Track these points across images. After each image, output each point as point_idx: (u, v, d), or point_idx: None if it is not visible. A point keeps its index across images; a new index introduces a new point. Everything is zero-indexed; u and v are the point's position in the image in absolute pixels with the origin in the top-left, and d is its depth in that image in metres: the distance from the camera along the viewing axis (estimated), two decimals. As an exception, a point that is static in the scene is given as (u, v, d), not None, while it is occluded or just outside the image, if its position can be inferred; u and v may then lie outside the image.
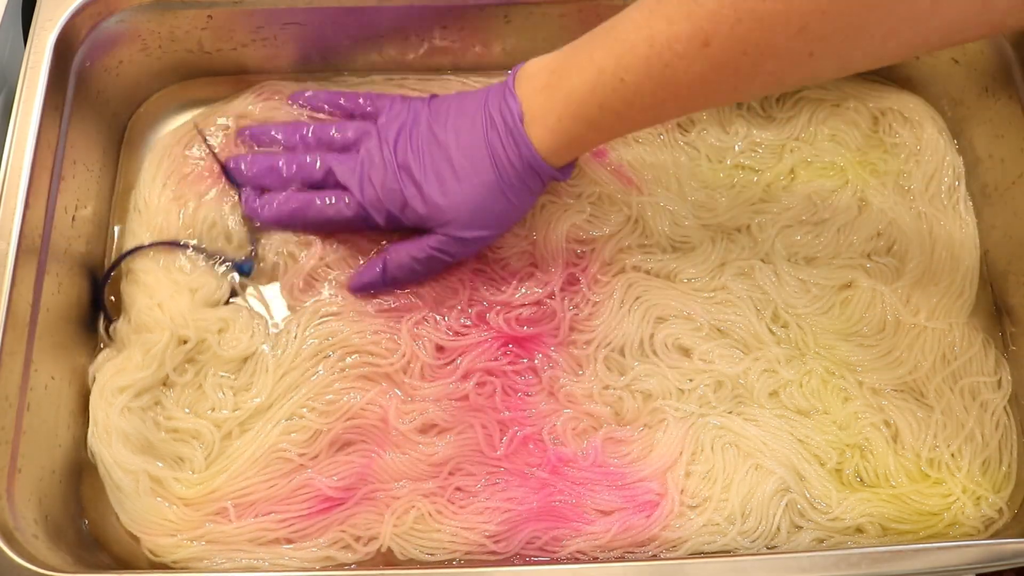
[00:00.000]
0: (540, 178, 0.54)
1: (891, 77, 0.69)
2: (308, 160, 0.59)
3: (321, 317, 0.60)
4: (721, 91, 0.48)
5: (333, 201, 0.58)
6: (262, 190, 0.61)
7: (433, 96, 0.59)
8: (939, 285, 0.63)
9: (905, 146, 0.67)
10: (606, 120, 0.51)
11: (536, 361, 0.59)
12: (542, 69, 0.53)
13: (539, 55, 0.67)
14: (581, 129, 0.52)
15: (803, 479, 0.57)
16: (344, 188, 0.58)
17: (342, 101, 0.63)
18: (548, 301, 0.61)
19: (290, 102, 0.64)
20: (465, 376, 0.59)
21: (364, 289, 0.60)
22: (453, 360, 0.59)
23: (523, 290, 0.61)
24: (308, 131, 0.61)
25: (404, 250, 0.57)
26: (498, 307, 0.60)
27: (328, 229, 0.61)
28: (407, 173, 0.56)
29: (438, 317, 0.60)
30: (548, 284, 0.61)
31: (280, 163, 0.60)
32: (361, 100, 0.62)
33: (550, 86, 0.52)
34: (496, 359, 0.59)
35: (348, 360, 0.59)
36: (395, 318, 0.60)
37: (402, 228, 0.58)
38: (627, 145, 0.65)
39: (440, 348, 0.59)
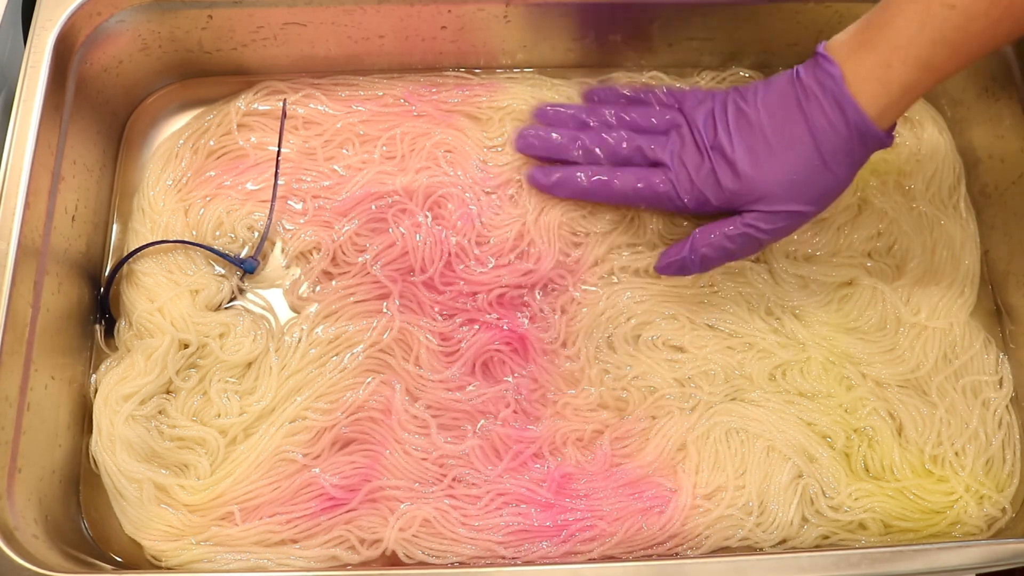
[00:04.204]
0: (866, 145, 0.53)
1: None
2: (615, 136, 0.60)
3: (326, 319, 0.60)
4: None
5: (644, 176, 0.58)
6: (549, 163, 0.61)
7: (733, 86, 0.59)
8: (940, 285, 0.63)
9: (905, 146, 0.67)
10: (939, 56, 0.49)
11: (530, 367, 0.59)
12: (853, 33, 0.52)
13: (541, 55, 0.67)
14: (913, 75, 0.50)
15: (814, 460, 0.57)
16: (654, 166, 0.58)
17: (641, 95, 0.62)
18: (535, 301, 0.61)
19: (584, 101, 0.64)
20: (468, 372, 0.59)
21: (672, 269, 0.60)
22: (456, 349, 0.59)
23: (515, 262, 0.62)
24: (610, 114, 0.61)
25: (717, 228, 0.57)
26: (488, 287, 0.61)
27: (627, 203, 0.61)
28: (719, 152, 0.56)
29: (433, 302, 0.60)
30: (539, 262, 0.61)
31: (585, 137, 0.60)
32: (660, 92, 0.62)
33: (869, 41, 0.50)
34: (495, 350, 0.59)
35: (348, 357, 0.59)
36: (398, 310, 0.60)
37: (707, 212, 0.58)
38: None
39: (443, 337, 0.60)
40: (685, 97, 0.60)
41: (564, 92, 0.66)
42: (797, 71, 0.54)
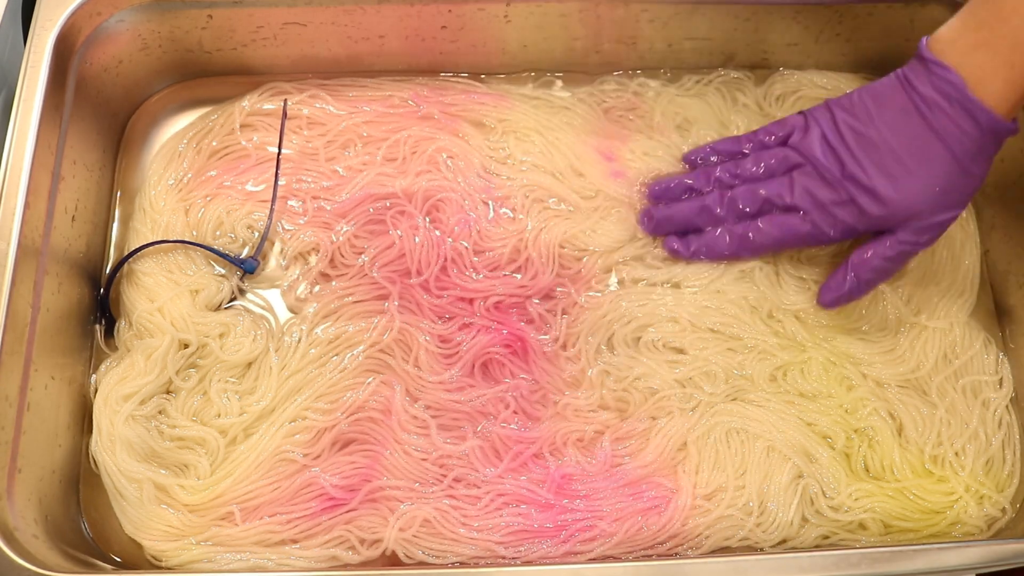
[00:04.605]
0: (998, 140, 0.54)
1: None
2: (736, 192, 0.60)
3: (324, 318, 0.60)
4: None
5: (781, 223, 0.59)
6: (682, 232, 0.62)
7: (828, 101, 0.59)
8: (940, 285, 0.63)
9: (905, 146, 0.67)
10: None
11: (531, 369, 0.59)
12: (961, 31, 0.52)
13: (541, 55, 0.67)
14: None
15: (814, 460, 0.57)
16: (786, 211, 0.59)
17: (740, 145, 0.63)
18: (533, 307, 0.61)
19: (688, 166, 0.64)
20: (468, 373, 0.59)
21: (840, 303, 0.60)
22: (455, 352, 0.59)
23: (511, 276, 0.61)
24: (720, 171, 0.61)
25: (874, 253, 0.57)
26: (484, 295, 0.60)
27: (771, 252, 0.62)
28: (853, 182, 0.56)
29: (431, 304, 0.60)
30: (535, 278, 0.61)
31: (708, 202, 0.60)
32: (759, 136, 0.62)
33: (986, 41, 0.51)
34: (494, 353, 0.59)
35: (348, 357, 0.59)
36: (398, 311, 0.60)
37: (852, 238, 0.59)
38: (634, 155, 0.65)
39: (443, 339, 0.60)
40: (783, 130, 0.60)
41: (570, 113, 0.66)
42: (907, 80, 0.54)
